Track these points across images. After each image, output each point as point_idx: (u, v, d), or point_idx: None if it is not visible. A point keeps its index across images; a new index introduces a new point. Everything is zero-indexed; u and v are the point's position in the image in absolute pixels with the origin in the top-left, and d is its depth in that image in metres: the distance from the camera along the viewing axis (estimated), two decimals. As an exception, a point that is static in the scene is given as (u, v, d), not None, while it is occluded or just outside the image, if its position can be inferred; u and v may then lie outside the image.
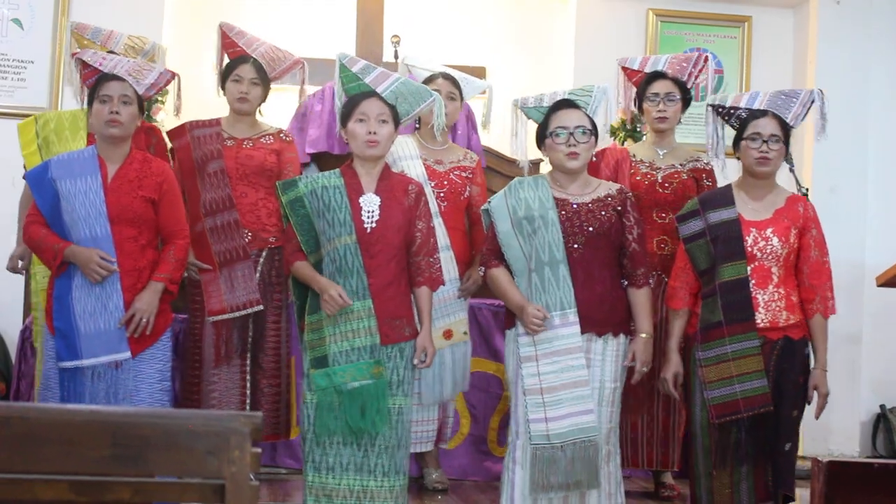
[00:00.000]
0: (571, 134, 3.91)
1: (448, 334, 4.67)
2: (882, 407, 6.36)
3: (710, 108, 4.29)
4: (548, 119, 3.98)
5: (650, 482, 5.03)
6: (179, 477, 1.98)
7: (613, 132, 5.85)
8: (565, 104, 4.00)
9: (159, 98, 5.60)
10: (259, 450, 1.96)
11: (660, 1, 6.64)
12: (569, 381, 3.82)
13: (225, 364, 4.71)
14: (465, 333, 4.73)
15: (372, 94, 3.95)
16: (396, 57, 6.11)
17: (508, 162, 5.83)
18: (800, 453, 6.09)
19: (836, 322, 6.28)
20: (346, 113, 3.93)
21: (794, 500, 4.05)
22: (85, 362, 4.08)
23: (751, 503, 3.96)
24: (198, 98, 5.12)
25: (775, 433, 3.96)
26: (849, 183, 6.45)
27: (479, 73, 6.67)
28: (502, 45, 6.89)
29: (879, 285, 4.96)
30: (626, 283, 3.98)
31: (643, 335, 3.94)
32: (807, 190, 5.64)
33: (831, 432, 6.26)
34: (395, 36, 6.31)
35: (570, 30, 6.67)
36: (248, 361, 4.75)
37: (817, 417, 4.11)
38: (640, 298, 3.97)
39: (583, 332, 3.85)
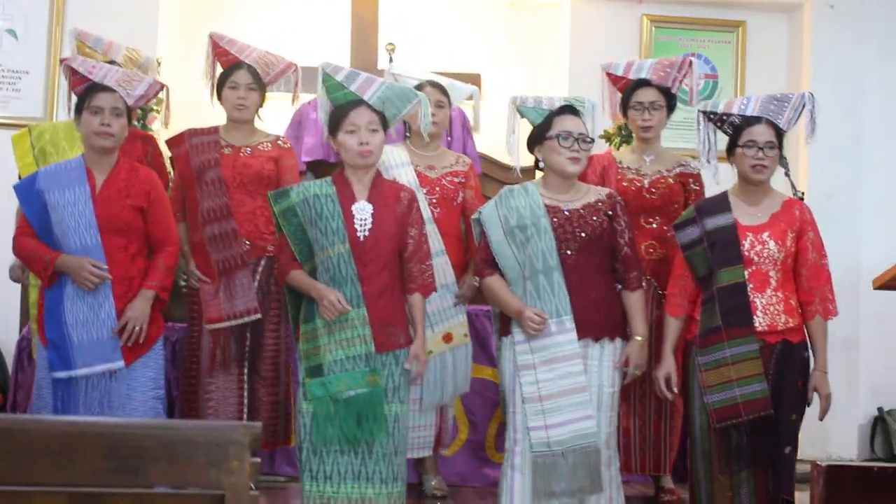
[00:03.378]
0: (577, 140, 3.93)
1: (448, 338, 4.67)
2: (880, 410, 6.36)
3: (701, 114, 4.29)
4: (550, 121, 3.99)
5: (650, 487, 5.03)
6: (179, 488, 1.98)
7: (608, 138, 5.86)
8: (569, 109, 4.02)
9: (155, 107, 5.61)
10: (258, 459, 1.96)
11: (654, 6, 6.66)
12: (567, 387, 3.83)
13: (221, 372, 4.70)
14: (465, 336, 4.73)
15: (359, 102, 3.94)
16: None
17: (502, 168, 5.84)
18: (799, 457, 6.11)
19: (833, 325, 6.27)
20: (335, 123, 3.92)
21: (793, 503, 4.06)
22: (79, 372, 4.06)
23: None
24: (191, 110, 5.11)
25: (775, 437, 3.97)
26: (844, 187, 6.46)
27: (473, 79, 6.67)
28: (497, 52, 6.90)
29: (876, 288, 4.97)
30: (619, 286, 4.01)
31: (638, 338, 3.96)
32: (802, 194, 5.66)
33: (829, 436, 6.27)
34: (390, 44, 6.31)
35: (565, 36, 6.67)
36: (246, 370, 4.74)
37: (821, 419, 4.11)
38: (634, 301, 4.00)
39: (579, 338, 3.87)
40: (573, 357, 3.84)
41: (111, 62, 4.78)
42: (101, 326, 4.08)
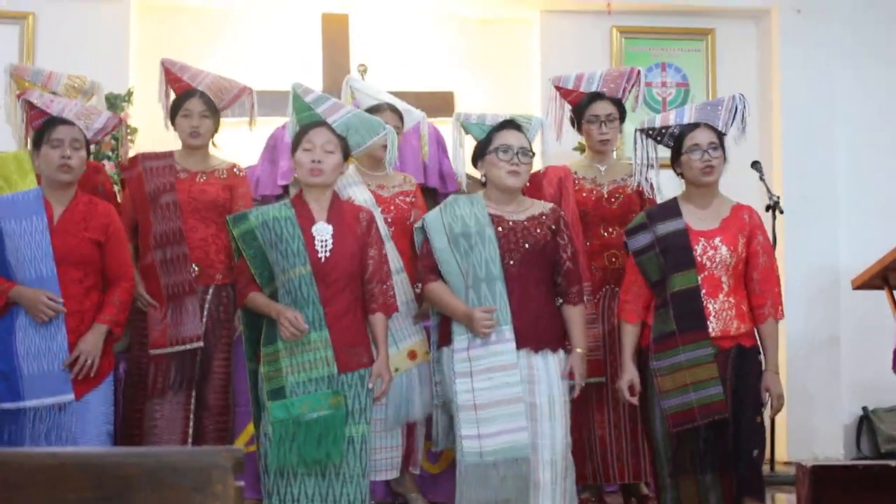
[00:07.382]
0: (516, 154, 3.99)
1: (413, 355, 4.62)
2: (864, 409, 6.40)
3: (638, 132, 4.38)
4: (491, 136, 4.07)
5: (618, 497, 5.00)
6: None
7: (583, 150, 5.87)
8: (510, 124, 4.10)
9: (132, 140, 5.58)
10: (241, 483, 1.96)
11: (623, 18, 6.70)
12: (503, 397, 3.85)
13: (163, 397, 4.59)
14: (426, 353, 4.68)
15: (321, 123, 4.00)
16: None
17: (483, 185, 5.84)
18: (785, 458, 6.14)
19: (815, 326, 6.37)
20: (296, 142, 3.97)
21: None
22: (27, 403, 4.04)
23: None
24: (165, 142, 5.06)
25: (737, 440, 3.99)
26: (819, 189, 6.51)
27: (446, 97, 6.71)
28: (469, 69, 6.93)
29: (855, 288, 5.02)
30: (560, 300, 4.05)
31: (579, 350, 4.02)
32: (778, 198, 5.70)
33: (815, 436, 6.30)
34: (362, 65, 6.34)
35: (536, 50, 6.71)
36: (193, 399, 4.64)
37: (772, 418, 4.14)
38: (575, 315, 4.06)
39: (519, 348, 3.90)
40: (510, 367, 3.86)
41: (52, 94, 4.75)
42: (52, 358, 4.07)
